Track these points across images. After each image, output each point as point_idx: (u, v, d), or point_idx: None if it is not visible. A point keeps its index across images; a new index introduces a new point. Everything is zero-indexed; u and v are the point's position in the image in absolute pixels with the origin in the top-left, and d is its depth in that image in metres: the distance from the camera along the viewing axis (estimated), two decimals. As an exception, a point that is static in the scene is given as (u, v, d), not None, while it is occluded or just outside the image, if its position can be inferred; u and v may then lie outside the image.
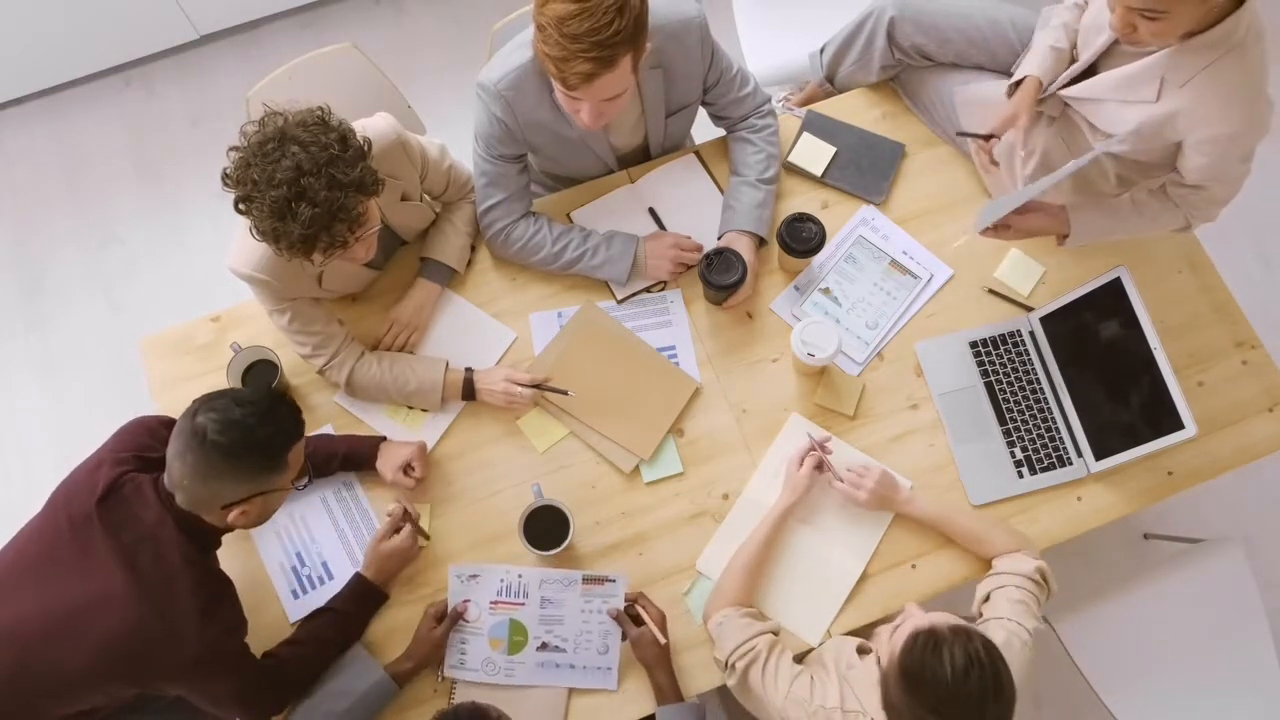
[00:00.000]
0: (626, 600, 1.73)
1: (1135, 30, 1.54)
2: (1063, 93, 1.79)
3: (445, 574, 1.76)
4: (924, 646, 1.30)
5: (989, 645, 1.31)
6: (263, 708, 1.60)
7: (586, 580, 1.74)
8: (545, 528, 1.74)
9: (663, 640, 1.66)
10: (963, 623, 1.34)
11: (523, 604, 1.75)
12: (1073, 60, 1.82)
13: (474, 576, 1.76)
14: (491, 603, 1.75)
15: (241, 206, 1.50)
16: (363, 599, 1.73)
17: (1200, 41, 1.56)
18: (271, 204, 1.44)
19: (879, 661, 1.41)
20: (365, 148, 1.54)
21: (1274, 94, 1.64)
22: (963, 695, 1.26)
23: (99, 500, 1.47)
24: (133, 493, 1.48)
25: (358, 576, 1.73)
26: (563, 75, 1.57)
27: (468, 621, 1.75)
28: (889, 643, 1.38)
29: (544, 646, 1.74)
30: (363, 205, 1.52)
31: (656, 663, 1.68)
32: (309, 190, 1.43)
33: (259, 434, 1.41)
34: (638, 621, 1.70)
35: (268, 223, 1.46)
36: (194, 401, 1.43)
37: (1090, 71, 1.77)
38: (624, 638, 1.72)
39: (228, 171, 1.50)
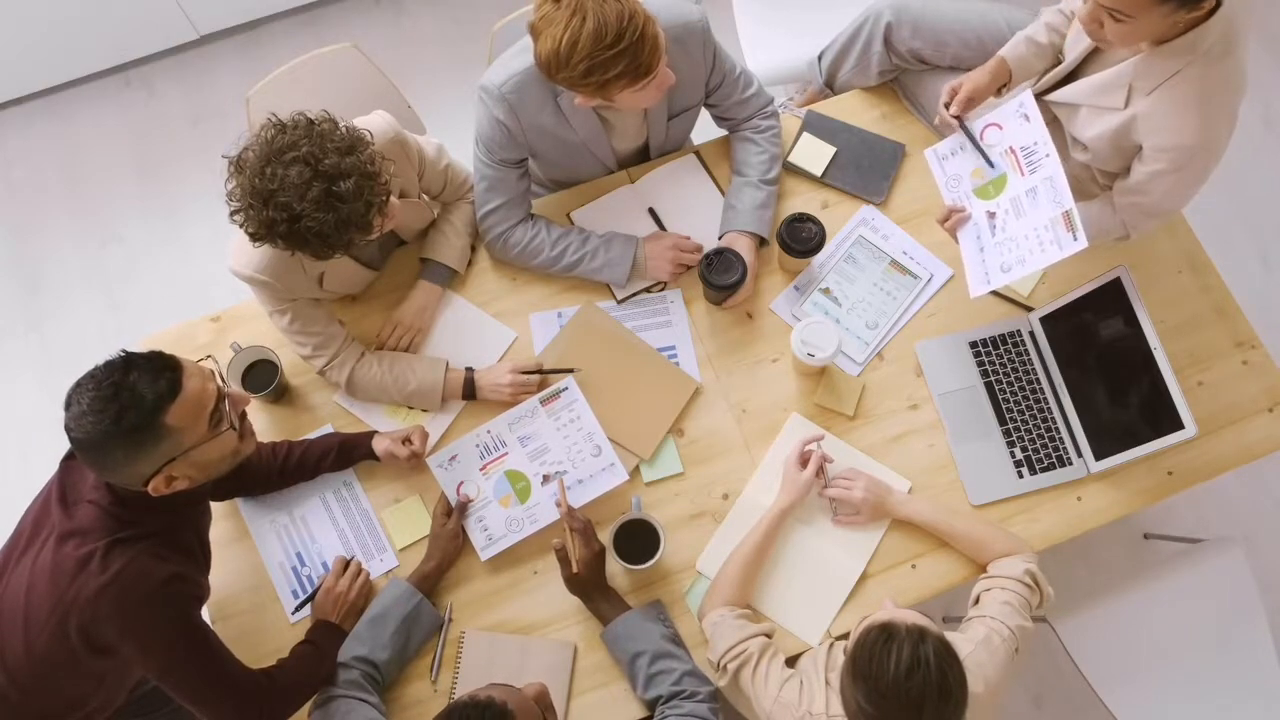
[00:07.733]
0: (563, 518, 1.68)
1: (1101, 27, 1.54)
2: (1047, 98, 1.80)
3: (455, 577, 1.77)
4: (875, 640, 1.31)
5: (942, 650, 1.30)
6: (223, 707, 1.48)
7: (543, 400, 1.81)
8: (635, 542, 1.72)
9: (575, 567, 1.63)
10: (925, 623, 1.34)
11: (506, 452, 1.80)
12: (1057, 63, 1.82)
13: (453, 458, 1.80)
14: (480, 469, 1.79)
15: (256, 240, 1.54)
16: (327, 632, 1.68)
17: (1169, 49, 1.56)
18: (284, 238, 1.51)
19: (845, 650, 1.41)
20: (371, 168, 1.53)
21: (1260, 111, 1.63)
22: (900, 693, 1.26)
23: (65, 458, 1.49)
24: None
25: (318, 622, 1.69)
26: (628, 83, 1.60)
27: (472, 500, 1.79)
28: (856, 631, 1.39)
29: (546, 479, 1.79)
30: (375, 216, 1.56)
31: (595, 588, 1.66)
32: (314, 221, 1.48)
33: (108, 416, 1.29)
34: (567, 562, 1.65)
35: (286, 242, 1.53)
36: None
37: (1072, 78, 1.78)
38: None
39: (231, 196, 1.51)
